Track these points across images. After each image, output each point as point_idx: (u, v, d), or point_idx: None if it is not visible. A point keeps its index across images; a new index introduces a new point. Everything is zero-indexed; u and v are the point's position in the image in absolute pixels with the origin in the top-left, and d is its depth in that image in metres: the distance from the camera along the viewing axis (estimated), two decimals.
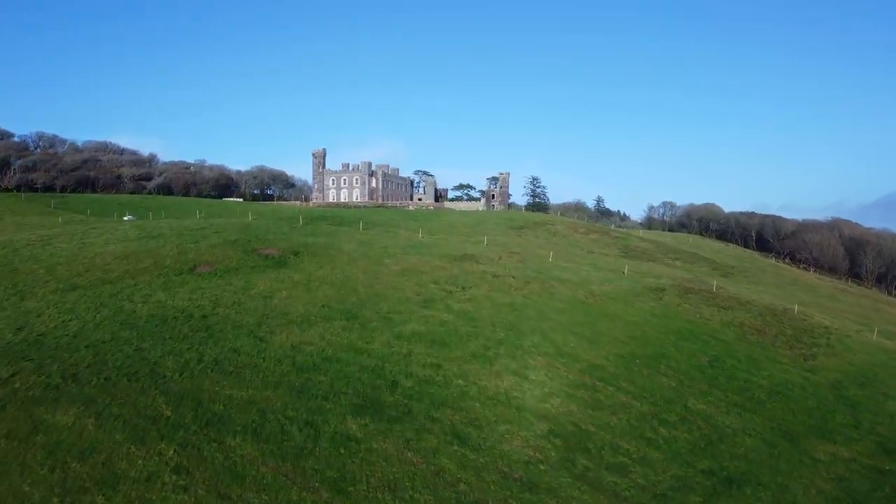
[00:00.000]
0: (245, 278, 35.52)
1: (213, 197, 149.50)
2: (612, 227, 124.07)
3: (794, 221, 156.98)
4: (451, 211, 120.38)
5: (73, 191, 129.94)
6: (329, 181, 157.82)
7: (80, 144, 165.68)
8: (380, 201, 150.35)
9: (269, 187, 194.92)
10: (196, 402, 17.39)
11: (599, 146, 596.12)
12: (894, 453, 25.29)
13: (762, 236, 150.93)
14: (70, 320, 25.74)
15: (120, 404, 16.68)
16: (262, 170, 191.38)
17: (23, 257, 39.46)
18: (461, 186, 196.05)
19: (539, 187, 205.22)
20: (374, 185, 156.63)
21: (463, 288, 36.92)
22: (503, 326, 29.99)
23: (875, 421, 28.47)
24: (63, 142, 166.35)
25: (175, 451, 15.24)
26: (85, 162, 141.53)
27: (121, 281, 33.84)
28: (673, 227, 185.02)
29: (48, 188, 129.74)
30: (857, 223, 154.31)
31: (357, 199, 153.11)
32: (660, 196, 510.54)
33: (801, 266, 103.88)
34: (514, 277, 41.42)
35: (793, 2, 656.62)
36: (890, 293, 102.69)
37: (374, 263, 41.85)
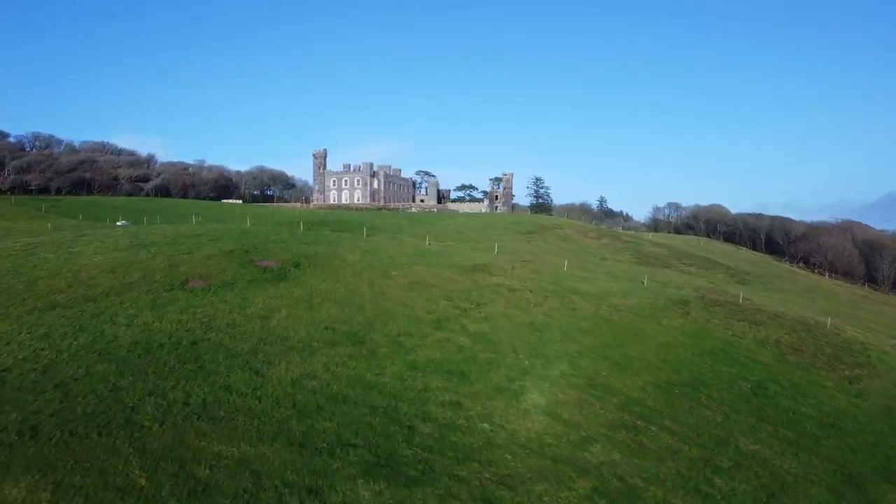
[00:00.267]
0: (241, 294, 32.61)
1: (212, 199, 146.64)
2: (621, 230, 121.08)
3: (803, 223, 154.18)
4: (456, 214, 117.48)
5: (69, 193, 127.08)
6: (330, 182, 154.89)
7: (76, 145, 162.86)
8: (381, 203, 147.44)
9: (268, 188, 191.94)
10: (178, 465, 14.49)
11: (599, 146, 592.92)
12: None
13: (771, 238, 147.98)
14: (42, 349, 22.83)
15: (84, 470, 13.79)
16: (261, 170, 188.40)
17: (2, 270, 36.51)
18: (463, 187, 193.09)
19: (542, 188, 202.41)
20: (375, 186, 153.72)
21: (478, 304, 34.01)
22: (526, 352, 27.09)
23: None
24: (59, 142, 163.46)
25: None
26: (81, 163, 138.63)
27: (105, 298, 30.92)
28: (679, 229, 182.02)
29: (43, 190, 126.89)
30: (866, 225, 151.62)
31: (358, 200, 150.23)
32: (659, 196, 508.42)
33: (816, 270, 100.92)
34: (531, 291, 38.52)
35: (793, 2, 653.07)
36: None
37: (380, 276, 38.95)
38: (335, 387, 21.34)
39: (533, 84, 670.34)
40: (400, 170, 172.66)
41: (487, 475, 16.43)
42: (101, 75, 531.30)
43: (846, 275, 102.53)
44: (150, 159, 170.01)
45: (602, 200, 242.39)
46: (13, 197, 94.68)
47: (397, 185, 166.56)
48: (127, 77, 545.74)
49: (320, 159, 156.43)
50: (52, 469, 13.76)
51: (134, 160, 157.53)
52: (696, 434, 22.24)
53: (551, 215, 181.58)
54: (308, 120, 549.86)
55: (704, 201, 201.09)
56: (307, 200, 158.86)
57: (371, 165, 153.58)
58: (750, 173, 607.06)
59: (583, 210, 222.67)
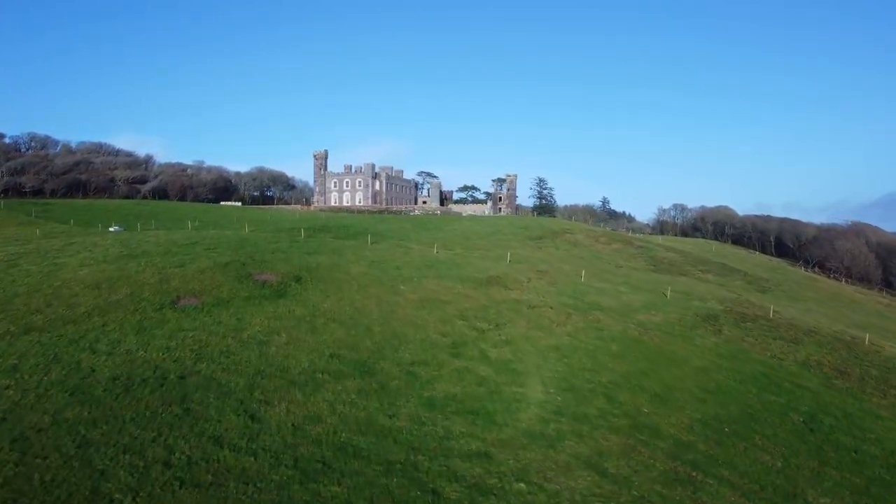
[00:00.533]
0: (237, 314, 29.67)
1: (211, 201, 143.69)
2: (626, 232, 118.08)
3: (813, 225, 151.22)
4: (461, 217, 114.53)
5: (64, 195, 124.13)
6: (331, 184, 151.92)
7: (73, 146, 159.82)
8: (384, 205, 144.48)
9: (268, 189, 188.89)
10: None
11: (599, 146, 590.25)
12: None
13: (781, 241, 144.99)
14: (7, 387, 19.89)
15: None
16: (261, 171, 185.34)
17: None
18: (465, 188, 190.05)
19: (546, 189, 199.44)
20: (377, 187, 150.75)
21: (496, 325, 31.08)
22: (556, 383, 24.14)
23: None
24: (56, 143, 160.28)
25: None
26: (77, 164, 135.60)
27: (87, 320, 27.96)
28: (686, 231, 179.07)
29: (37, 192, 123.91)
30: (876, 227, 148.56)
31: (360, 202, 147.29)
32: (659, 195, 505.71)
33: (833, 276, 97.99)
34: (551, 308, 35.58)
35: (793, 2, 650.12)
36: None
37: (388, 291, 36.03)
38: (343, 434, 18.39)
39: (532, 84, 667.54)
40: (402, 171, 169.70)
41: None
42: (101, 75, 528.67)
43: (863, 280, 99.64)
44: (148, 160, 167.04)
45: (605, 201, 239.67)
46: (4, 200, 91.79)
47: (399, 187, 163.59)
48: (127, 77, 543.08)
49: (321, 160, 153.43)
50: None
51: (131, 161, 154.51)
52: (758, 486, 19.29)
53: (555, 217, 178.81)
54: (308, 120, 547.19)
55: (704, 201, 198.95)
56: (308, 202, 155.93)
57: (373, 166, 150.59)
58: (750, 173, 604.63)
59: (587, 211, 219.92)
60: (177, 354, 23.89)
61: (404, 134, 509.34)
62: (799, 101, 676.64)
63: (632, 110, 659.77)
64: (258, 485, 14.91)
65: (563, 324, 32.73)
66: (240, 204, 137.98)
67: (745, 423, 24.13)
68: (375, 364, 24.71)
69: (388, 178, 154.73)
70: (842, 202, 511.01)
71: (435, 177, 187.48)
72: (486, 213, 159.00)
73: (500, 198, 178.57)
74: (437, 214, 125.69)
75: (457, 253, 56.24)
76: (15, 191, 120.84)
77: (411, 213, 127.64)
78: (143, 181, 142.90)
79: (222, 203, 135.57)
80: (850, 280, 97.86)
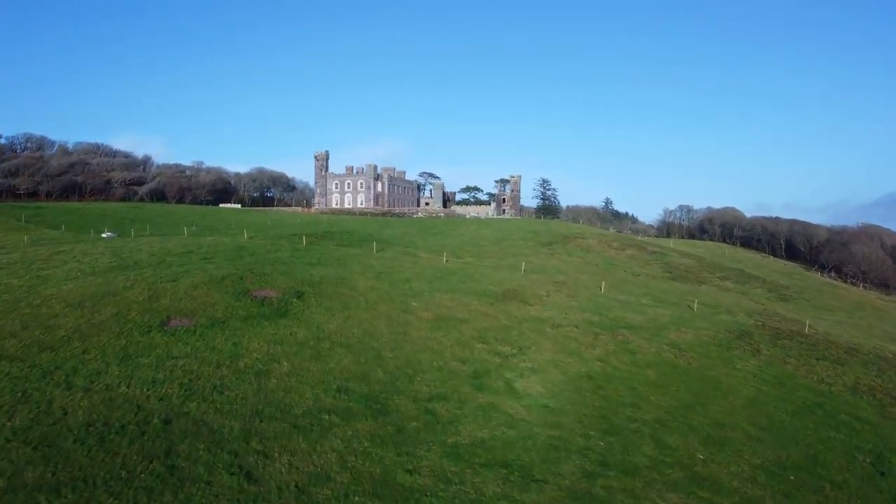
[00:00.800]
0: (233, 338, 26.76)
1: (210, 203, 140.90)
2: (634, 235, 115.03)
3: (824, 228, 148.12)
4: (467, 220, 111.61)
5: (59, 197, 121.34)
6: (332, 185, 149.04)
7: (70, 147, 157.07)
8: (386, 207, 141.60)
9: (268, 190, 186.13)
10: None
11: (599, 146, 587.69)
12: None
13: (792, 244, 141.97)
14: None
15: None
16: (261, 172, 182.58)
17: None
18: (468, 189, 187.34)
19: (549, 190, 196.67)
20: (379, 189, 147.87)
21: (520, 349, 28.16)
22: (596, 424, 21.22)
23: None
24: (52, 144, 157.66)
25: None
26: (72, 166, 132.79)
27: (66, 346, 25.06)
28: (693, 233, 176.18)
29: (32, 194, 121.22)
30: (888, 229, 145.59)
31: (362, 204, 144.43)
32: (659, 195, 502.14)
33: (850, 281, 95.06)
34: (576, 327, 32.67)
35: (793, 2, 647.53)
36: None
37: (398, 308, 33.12)
38: (356, 497, 15.48)
39: (532, 84, 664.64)
40: (404, 172, 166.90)
41: None
42: (101, 75, 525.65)
43: (880, 285, 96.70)
44: (145, 161, 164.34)
45: (608, 202, 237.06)
46: None
47: (402, 188, 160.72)
48: (126, 77, 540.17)
49: (322, 161, 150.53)
50: None
51: (128, 162, 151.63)
52: None
53: (559, 218, 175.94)
54: (308, 120, 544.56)
55: (705, 201, 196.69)
56: (308, 204, 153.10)
57: (375, 168, 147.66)
58: (750, 173, 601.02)
59: (592, 212, 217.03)
60: (163, 390, 20.98)
61: (404, 133, 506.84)
62: (799, 100, 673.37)
63: (631, 110, 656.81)
64: None
65: (592, 346, 29.82)
66: (239, 206, 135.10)
67: (809, 469, 21.21)
68: (389, 400, 21.80)
69: (391, 179, 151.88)
70: (842, 202, 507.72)
71: (437, 177, 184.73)
72: (490, 214, 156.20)
73: (504, 199, 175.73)
74: (440, 217, 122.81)
75: (467, 262, 53.32)
76: (9, 193, 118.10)
77: (414, 216, 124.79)
78: (141, 183, 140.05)
79: (221, 205, 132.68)
80: (867, 285, 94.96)
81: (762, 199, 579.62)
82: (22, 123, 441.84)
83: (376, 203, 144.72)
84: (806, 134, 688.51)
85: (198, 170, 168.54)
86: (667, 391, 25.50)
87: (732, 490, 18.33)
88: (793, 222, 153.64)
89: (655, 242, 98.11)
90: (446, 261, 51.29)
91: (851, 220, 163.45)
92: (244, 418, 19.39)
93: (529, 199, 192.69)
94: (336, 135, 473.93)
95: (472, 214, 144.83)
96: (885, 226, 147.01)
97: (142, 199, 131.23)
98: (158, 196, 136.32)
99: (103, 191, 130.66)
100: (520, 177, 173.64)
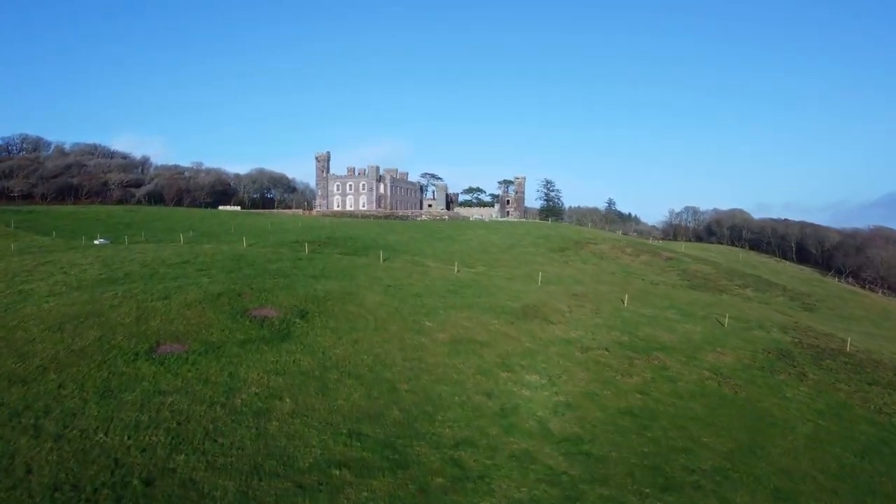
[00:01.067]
0: (230, 367, 23.86)
1: (208, 204, 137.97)
2: (653, 241, 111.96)
3: (835, 231, 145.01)
4: (472, 223, 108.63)
5: (54, 200, 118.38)
6: (334, 187, 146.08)
7: (67, 147, 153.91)
8: (389, 209, 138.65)
9: (269, 191, 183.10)
10: None
11: (599, 146, 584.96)
12: None
13: (803, 247, 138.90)
14: None
15: None
16: (261, 173, 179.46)
17: None
18: (470, 190, 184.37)
19: (553, 191, 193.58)
20: (381, 191, 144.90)
21: (550, 378, 25.24)
22: (650, 479, 18.28)
23: None
24: (48, 145, 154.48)
25: None
26: (68, 167, 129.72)
27: (40, 378, 22.16)
28: (701, 235, 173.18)
29: (26, 196, 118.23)
30: None
31: (364, 206, 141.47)
32: (659, 195, 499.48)
33: (868, 287, 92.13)
34: (607, 350, 29.76)
35: (793, 2, 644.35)
36: None
37: (411, 328, 30.22)
38: None
39: (532, 84, 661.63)
40: (407, 173, 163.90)
41: None
42: (101, 75, 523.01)
43: None
44: (144, 162, 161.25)
45: (611, 202, 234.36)
46: None
47: (404, 190, 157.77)
48: (126, 77, 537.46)
49: (323, 163, 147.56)
50: None
51: (126, 164, 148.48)
52: None
53: (562, 219, 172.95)
54: (308, 120, 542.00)
55: (705, 201, 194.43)
56: (309, 206, 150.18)
57: (377, 169, 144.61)
58: (750, 173, 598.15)
59: (595, 214, 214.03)
60: (147, 438, 18.05)
61: (404, 134, 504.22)
62: (799, 100, 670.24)
63: (632, 110, 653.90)
64: None
65: (628, 373, 26.90)
66: (238, 208, 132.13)
67: None
68: (408, 447, 18.88)
69: (393, 180, 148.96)
70: (842, 202, 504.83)
71: (440, 178, 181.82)
72: (494, 216, 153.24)
73: (508, 201, 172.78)
74: (444, 220, 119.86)
75: (479, 272, 50.41)
76: (2, 196, 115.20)
77: (418, 219, 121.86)
78: (138, 185, 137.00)
79: (220, 208, 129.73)
80: (886, 291, 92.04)
81: (762, 199, 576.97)
82: (21, 124, 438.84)
83: (379, 205, 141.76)
84: (806, 134, 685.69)
85: (197, 171, 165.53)
86: (719, 430, 22.59)
87: None
88: (803, 224, 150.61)
89: (667, 247, 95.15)
90: (457, 271, 48.38)
91: (852, 220, 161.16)
92: (240, 476, 16.49)
93: (533, 201, 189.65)
94: (336, 135, 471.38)
95: (476, 217, 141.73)
96: (886, 225, 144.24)
97: (139, 202, 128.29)
98: (156, 198, 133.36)
99: (100, 193, 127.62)
100: (524, 178, 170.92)
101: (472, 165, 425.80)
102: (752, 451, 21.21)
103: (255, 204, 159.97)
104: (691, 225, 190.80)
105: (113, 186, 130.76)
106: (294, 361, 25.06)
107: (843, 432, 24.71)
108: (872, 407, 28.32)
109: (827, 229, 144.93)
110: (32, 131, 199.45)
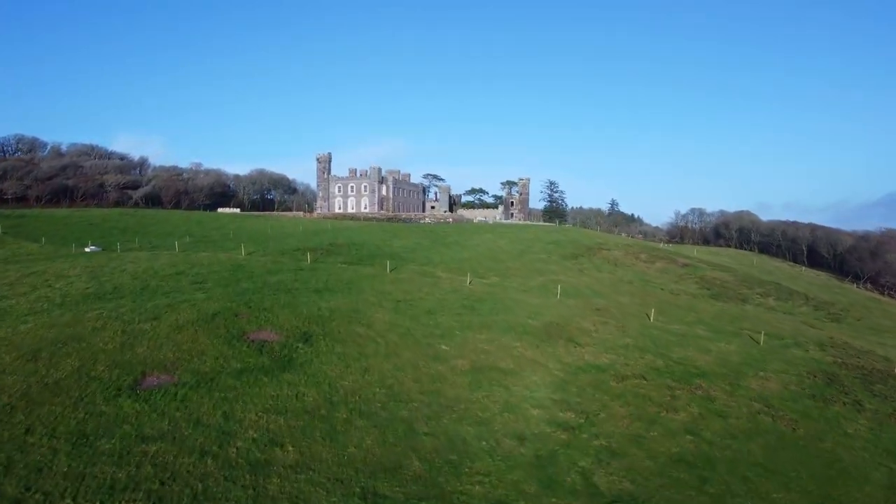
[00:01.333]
0: (224, 405, 20.95)
1: (207, 207, 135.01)
2: (663, 245, 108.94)
3: (847, 233, 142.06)
4: (477, 226, 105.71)
5: (48, 202, 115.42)
6: (335, 189, 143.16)
7: (63, 148, 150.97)
8: (391, 212, 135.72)
9: (269, 192, 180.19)
10: None
11: (598, 146, 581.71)
12: None
13: (814, 250, 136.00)
14: None
15: None
16: (261, 174, 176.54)
17: None
18: (473, 191, 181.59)
19: (557, 192, 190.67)
20: (384, 193, 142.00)
21: (587, 417, 22.33)
22: None
23: None
24: (44, 145, 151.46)
25: None
26: (64, 169, 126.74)
27: (5, 421, 19.18)
28: (708, 238, 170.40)
29: (20, 199, 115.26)
30: None
31: (366, 208, 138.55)
32: (659, 195, 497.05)
33: (887, 293, 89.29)
34: (644, 379, 26.83)
35: (792, 2, 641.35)
36: None
37: (426, 353, 27.30)
38: None
39: (533, 84, 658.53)
40: (409, 174, 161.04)
41: None
42: (100, 75, 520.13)
43: None
44: (141, 163, 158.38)
45: (613, 203, 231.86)
46: None
47: (407, 192, 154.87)
48: (125, 77, 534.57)
49: (324, 164, 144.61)
50: None
51: (123, 165, 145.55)
52: None
53: (566, 221, 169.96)
54: (308, 121, 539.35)
55: (705, 201, 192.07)
56: (310, 209, 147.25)
57: (379, 171, 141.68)
58: (750, 173, 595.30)
59: (599, 215, 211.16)
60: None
61: (404, 134, 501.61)
62: (798, 100, 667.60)
63: (632, 110, 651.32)
64: None
65: (672, 408, 23.99)
66: (238, 210, 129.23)
67: None
68: None
69: (395, 182, 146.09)
70: (842, 202, 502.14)
71: (442, 180, 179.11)
72: (498, 218, 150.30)
73: (512, 202, 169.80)
74: (449, 223, 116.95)
75: (493, 283, 47.45)
76: None
77: (422, 222, 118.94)
78: (136, 186, 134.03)
79: (219, 210, 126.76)
80: None
81: (762, 199, 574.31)
82: (19, 125, 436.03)
83: (381, 207, 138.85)
84: (806, 134, 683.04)
85: (196, 172, 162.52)
86: (786, 480, 19.67)
87: None
88: (814, 227, 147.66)
89: (679, 251, 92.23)
90: (469, 282, 45.46)
91: (853, 220, 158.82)
92: None
93: (536, 202, 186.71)
94: (336, 135, 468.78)
95: (480, 219, 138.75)
96: (887, 226, 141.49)
97: (136, 204, 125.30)
98: (154, 200, 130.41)
99: (96, 195, 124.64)
100: (528, 179, 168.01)
101: (472, 166, 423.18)
102: None
103: (254, 206, 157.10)
104: (697, 227, 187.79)
105: (109, 188, 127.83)
106: (297, 396, 22.15)
107: None
108: None
109: (838, 232, 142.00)
110: (30, 132, 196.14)
